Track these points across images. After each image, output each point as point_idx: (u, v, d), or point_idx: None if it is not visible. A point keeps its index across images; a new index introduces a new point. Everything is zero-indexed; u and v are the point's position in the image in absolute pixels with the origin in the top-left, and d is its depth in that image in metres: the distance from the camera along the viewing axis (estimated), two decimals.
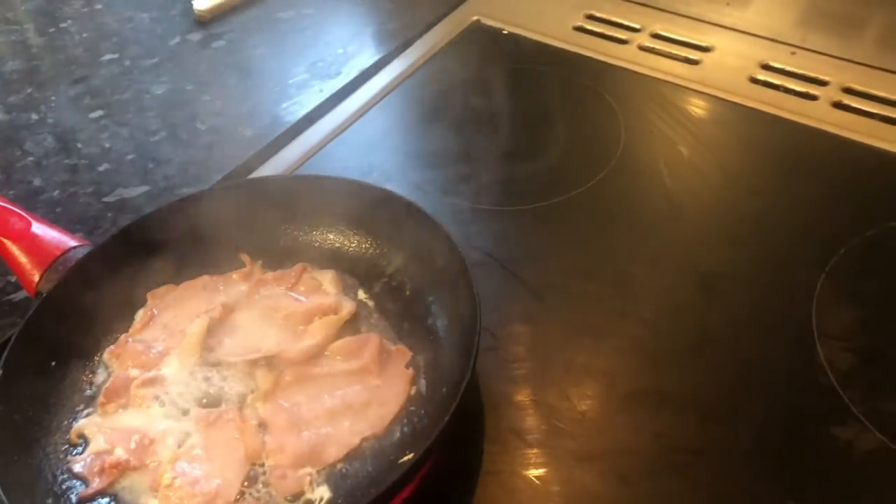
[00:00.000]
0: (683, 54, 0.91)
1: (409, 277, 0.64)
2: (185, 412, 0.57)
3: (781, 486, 0.52)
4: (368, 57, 0.93)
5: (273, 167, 0.80)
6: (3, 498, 0.48)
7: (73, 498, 0.53)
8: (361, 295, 0.65)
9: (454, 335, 0.58)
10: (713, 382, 0.59)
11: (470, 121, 0.84)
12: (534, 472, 0.54)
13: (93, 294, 0.63)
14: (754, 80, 0.86)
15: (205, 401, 0.58)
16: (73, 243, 0.64)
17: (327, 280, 0.66)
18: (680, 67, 0.89)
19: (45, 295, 0.61)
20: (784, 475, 0.53)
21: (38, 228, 0.64)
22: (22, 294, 0.68)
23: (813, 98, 0.83)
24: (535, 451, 0.55)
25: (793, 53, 0.88)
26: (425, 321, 0.61)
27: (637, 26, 0.95)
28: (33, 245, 0.63)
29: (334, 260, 0.67)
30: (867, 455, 0.53)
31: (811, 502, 0.51)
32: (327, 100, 0.88)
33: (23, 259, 0.63)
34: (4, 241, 0.63)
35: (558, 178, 0.76)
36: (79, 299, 0.62)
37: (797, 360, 0.59)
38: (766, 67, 0.87)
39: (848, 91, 0.83)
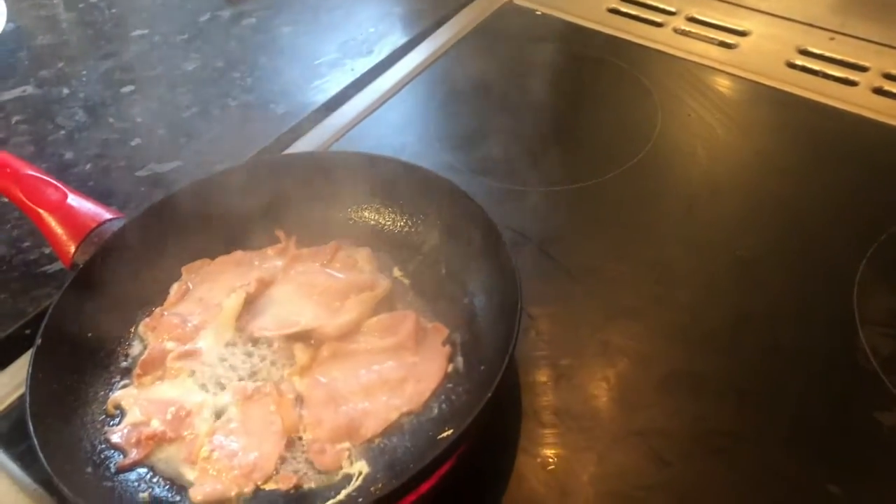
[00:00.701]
0: (720, 38, 0.90)
1: (444, 256, 0.64)
2: (222, 386, 0.58)
3: (822, 471, 0.52)
4: (400, 36, 0.93)
5: (305, 145, 0.80)
6: (46, 465, 0.48)
7: (112, 467, 0.53)
8: (397, 273, 0.65)
9: (491, 313, 0.58)
10: (751, 366, 0.58)
11: (503, 102, 0.84)
12: (569, 451, 0.54)
13: (128, 267, 0.63)
14: (792, 65, 0.85)
15: (241, 374, 0.58)
16: (108, 216, 0.64)
17: (362, 257, 0.66)
18: (716, 51, 0.88)
19: (81, 266, 0.61)
20: (825, 460, 0.53)
21: (74, 200, 0.64)
22: (56, 266, 0.69)
23: (852, 84, 0.82)
24: (570, 429, 0.55)
25: (832, 39, 0.87)
26: (461, 299, 0.61)
27: (672, 9, 0.94)
28: (69, 216, 0.63)
29: (369, 237, 0.67)
30: None
31: (853, 488, 0.51)
32: (359, 78, 0.88)
33: (59, 230, 0.63)
34: (41, 211, 0.63)
35: (594, 160, 0.75)
36: (114, 272, 0.62)
37: (838, 344, 0.59)
38: (804, 52, 0.87)
39: (888, 77, 0.82)
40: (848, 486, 0.51)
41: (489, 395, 0.49)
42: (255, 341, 0.60)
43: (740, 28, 0.90)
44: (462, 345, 0.58)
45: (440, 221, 0.65)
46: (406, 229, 0.67)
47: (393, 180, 0.66)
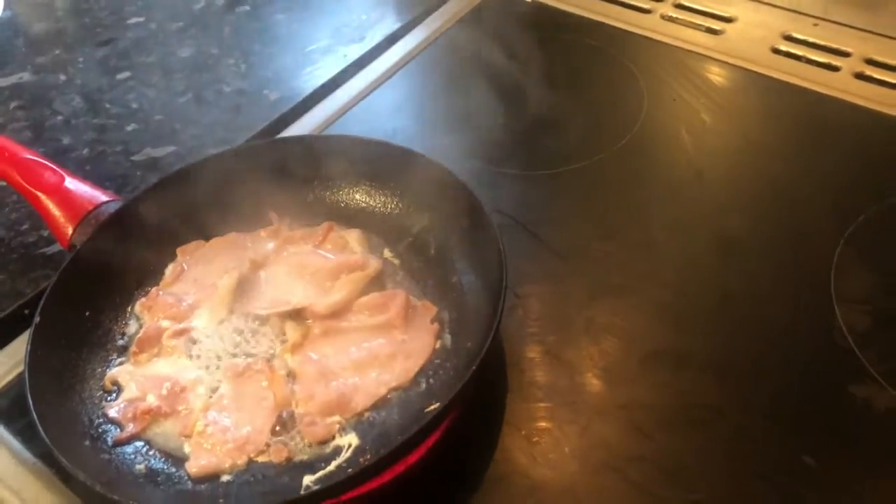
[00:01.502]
0: (706, 24, 0.91)
1: (433, 236, 0.65)
2: (216, 363, 0.59)
3: (798, 442, 0.53)
4: (392, 23, 0.94)
5: (298, 130, 0.82)
6: (45, 438, 0.50)
7: (109, 441, 0.55)
8: (387, 253, 0.66)
9: (479, 292, 0.60)
10: (733, 343, 0.60)
11: (493, 87, 0.84)
12: (554, 424, 0.56)
13: (124, 248, 0.64)
14: (776, 51, 0.87)
15: (234, 352, 0.60)
16: (104, 198, 0.65)
17: (353, 238, 0.67)
18: (702, 37, 0.89)
19: (78, 248, 0.62)
20: (801, 432, 0.54)
21: (71, 183, 0.66)
22: (54, 248, 0.70)
23: (835, 69, 0.84)
24: (555, 404, 0.57)
25: (815, 24, 0.89)
26: (450, 279, 0.63)
27: None
28: (66, 199, 0.65)
29: (360, 219, 0.68)
30: (884, 413, 0.55)
31: (827, 458, 0.52)
32: (351, 65, 0.89)
33: (56, 212, 0.64)
34: (39, 194, 0.65)
35: (581, 144, 0.77)
36: (111, 252, 0.63)
37: (815, 322, 0.60)
38: (789, 38, 0.88)
39: (870, 62, 0.84)
40: (822, 457, 0.52)
41: (473, 368, 0.50)
42: (249, 320, 0.61)
43: (726, 14, 0.92)
44: (450, 322, 0.60)
45: (430, 203, 0.66)
46: (396, 211, 0.68)
47: (383, 163, 0.68)
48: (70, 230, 0.63)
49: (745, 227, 0.68)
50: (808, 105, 0.80)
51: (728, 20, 0.91)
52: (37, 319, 0.57)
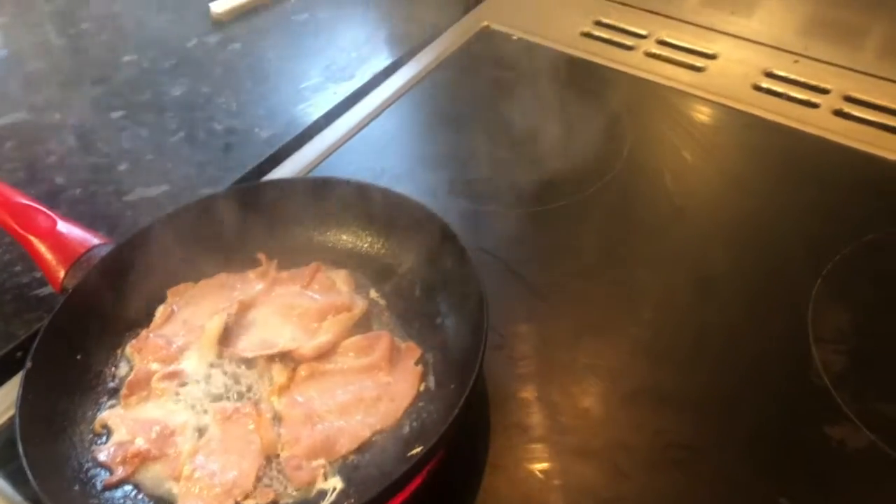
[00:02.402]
0: (689, 61, 0.93)
1: (419, 278, 0.66)
2: (204, 405, 0.60)
3: (774, 482, 0.54)
4: (381, 60, 0.96)
5: (289, 168, 0.83)
6: (34, 484, 0.51)
7: (99, 485, 0.55)
8: (373, 294, 0.67)
9: (462, 334, 0.61)
10: (711, 382, 0.61)
11: (479, 124, 0.86)
12: (537, 466, 0.57)
13: (115, 290, 0.65)
14: (758, 88, 0.88)
15: (223, 394, 0.60)
16: (96, 241, 0.66)
17: (340, 279, 0.68)
18: (685, 74, 0.91)
19: (70, 290, 0.63)
20: (777, 472, 0.55)
21: (63, 227, 0.67)
22: (47, 289, 0.71)
23: (814, 106, 0.85)
24: (538, 445, 0.58)
25: (795, 62, 0.90)
26: (434, 320, 0.64)
27: (644, 33, 0.97)
28: (59, 242, 0.66)
29: (347, 259, 0.70)
30: (858, 453, 0.56)
31: (803, 499, 0.53)
32: (341, 102, 0.90)
33: (48, 256, 0.65)
34: (31, 238, 0.66)
35: (564, 182, 0.78)
36: (102, 295, 0.64)
37: (792, 361, 0.62)
38: (770, 75, 0.90)
39: (849, 99, 0.85)
40: (798, 499, 0.53)
41: (456, 412, 0.51)
42: (237, 362, 0.62)
43: (709, 51, 0.93)
44: (434, 364, 0.61)
45: (415, 244, 0.67)
46: (382, 252, 0.69)
47: (370, 205, 0.69)
48: (62, 273, 0.64)
49: (724, 264, 0.69)
50: (787, 142, 0.81)
51: (710, 57, 0.93)
52: (28, 364, 0.57)
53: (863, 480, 0.55)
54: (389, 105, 0.90)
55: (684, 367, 0.62)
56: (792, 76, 0.89)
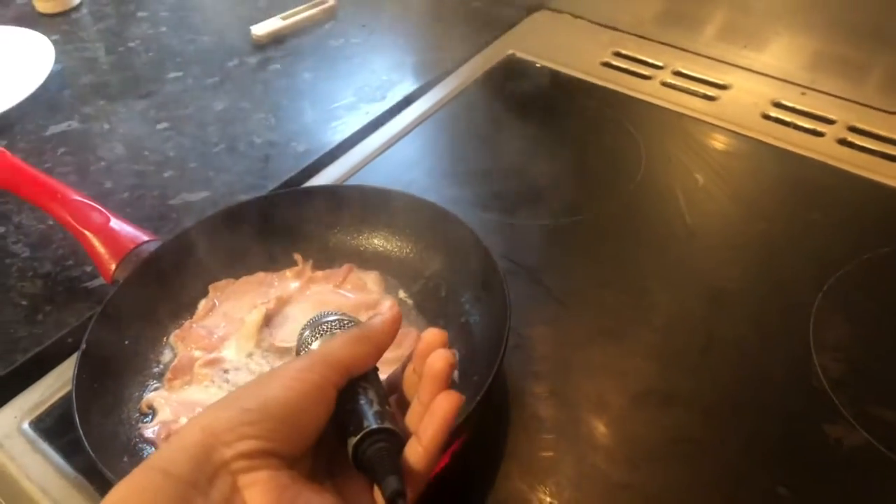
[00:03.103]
0: (702, 91, 0.98)
1: (445, 280, 0.71)
2: None
3: (774, 474, 0.58)
4: (410, 84, 1.01)
5: (323, 179, 0.88)
6: (90, 452, 0.55)
7: (146, 458, 0.60)
8: (402, 294, 0.72)
9: (485, 332, 0.65)
10: (717, 384, 0.65)
11: (503, 144, 0.91)
12: (551, 455, 0.60)
13: (162, 284, 0.70)
14: (767, 117, 0.93)
15: None
16: (145, 238, 0.71)
17: (371, 280, 0.73)
18: (698, 103, 0.96)
19: (120, 282, 0.68)
20: (777, 464, 0.59)
21: (115, 223, 0.72)
22: (96, 282, 0.76)
23: (820, 135, 0.90)
24: (553, 436, 0.62)
25: (803, 94, 0.95)
26: (459, 319, 0.68)
27: (660, 64, 1.02)
28: (111, 238, 0.70)
29: (378, 262, 0.74)
30: (854, 451, 0.59)
31: (800, 489, 0.57)
32: (372, 121, 0.95)
33: (101, 250, 0.70)
34: (86, 233, 0.71)
35: (582, 198, 0.83)
36: (150, 287, 0.69)
37: (794, 366, 0.65)
38: (778, 105, 0.94)
39: (853, 130, 0.90)
40: (796, 488, 0.57)
41: (478, 398, 0.55)
42: (273, 352, 0.67)
43: (722, 82, 0.98)
44: (458, 359, 0.65)
45: (442, 249, 0.72)
46: (411, 255, 0.74)
47: (401, 211, 0.73)
48: (113, 266, 0.69)
49: (732, 278, 0.74)
50: (794, 168, 0.86)
51: (723, 87, 0.98)
52: (83, 346, 0.62)
53: (857, 475, 0.58)
54: (418, 125, 0.95)
55: (692, 370, 0.66)
56: (799, 107, 0.93)
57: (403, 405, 0.47)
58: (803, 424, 0.61)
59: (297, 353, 0.50)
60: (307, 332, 0.50)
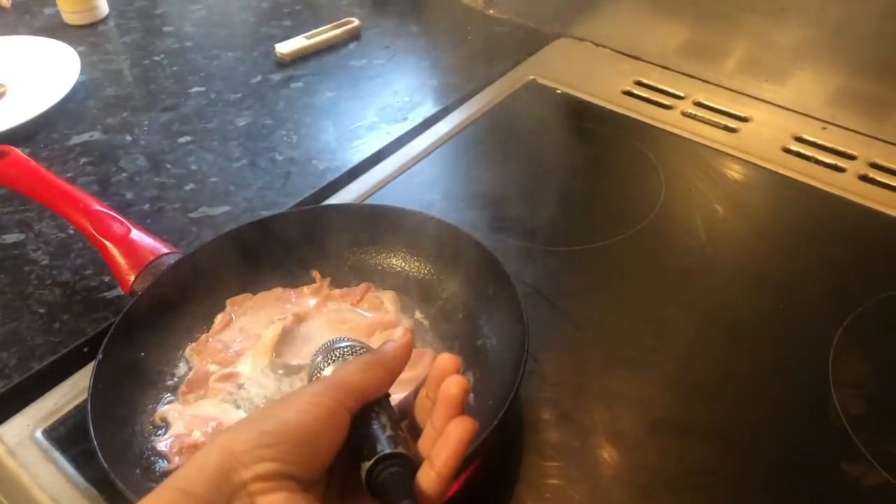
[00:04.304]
0: (723, 122, 0.98)
1: (462, 302, 0.71)
2: (257, 407, 0.64)
3: None
4: (432, 106, 1.02)
5: (342, 198, 0.88)
6: (104, 463, 0.55)
7: (158, 471, 0.60)
8: (418, 315, 0.72)
9: (501, 355, 0.65)
10: (734, 416, 0.65)
11: (522, 169, 0.91)
12: (565, 481, 0.60)
13: (180, 296, 0.70)
14: (787, 150, 0.93)
15: (274, 397, 0.65)
16: (165, 250, 0.71)
17: (388, 299, 0.73)
18: (719, 134, 0.96)
19: (139, 293, 0.68)
20: (794, 502, 0.58)
21: (136, 235, 0.72)
22: (114, 292, 0.76)
23: (841, 170, 0.90)
24: (566, 463, 0.61)
25: (824, 128, 0.95)
26: (475, 342, 0.68)
27: (681, 94, 1.03)
28: (131, 249, 0.71)
29: (395, 282, 0.74)
30: (872, 490, 0.59)
31: None
32: (393, 142, 0.96)
33: (121, 260, 0.70)
34: (106, 243, 0.71)
35: (601, 225, 0.83)
36: (168, 300, 0.69)
37: (813, 401, 0.65)
38: (799, 139, 0.94)
39: (874, 166, 0.90)
40: None
41: (495, 423, 0.55)
42: (289, 368, 0.67)
43: (742, 114, 0.99)
44: (473, 382, 0.65)
45: (460, 271, 0.71)
46: (429, 277, 0.74)
47: (420, 232, 0.74)
48: (132, 277, 0.69)
49: (750, 311, 0.73)
50: (813, 202, 0.86)
51: (744, 119, 0.98)
52: (100, 356, 0.62)
53: None
54: (438, 147, 0.96)
55: (709, 401, 0.66)
56: (820, 141, 0.93)
57: (414, 431, 0.47)
58: (821, 461, 0.61)
59: (310, 379, 0.51)
60: (319, 358, 0.51)
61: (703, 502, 0.59)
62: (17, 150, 0.79)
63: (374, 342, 0.68)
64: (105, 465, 0.55)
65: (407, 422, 0.48)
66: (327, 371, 0.49)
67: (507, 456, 0.62)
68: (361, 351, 0.50)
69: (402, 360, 0.48)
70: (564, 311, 0.74)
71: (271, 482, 0.39)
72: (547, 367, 0.68)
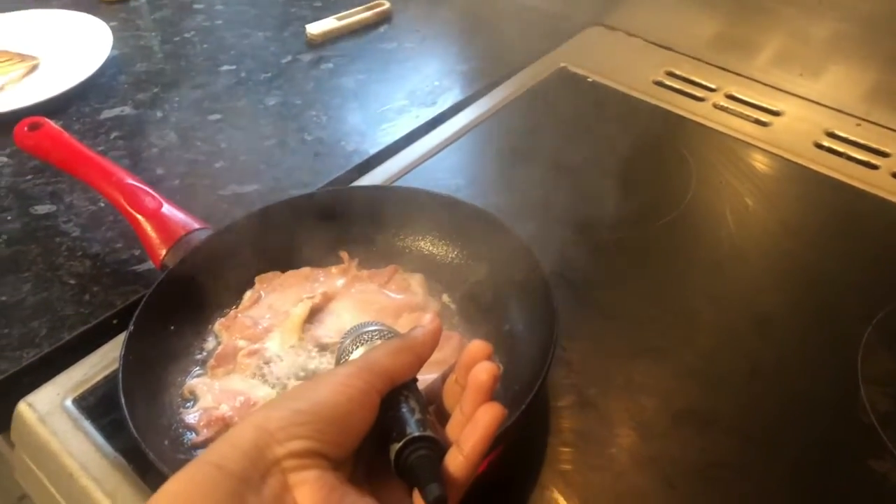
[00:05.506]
0: (755, 116, 0.97)
1: (489, 287, 0.70)
2: (284, 383, 0.65)
3: None
4: (461, 91, 1.02)
5: (370, 180, 0.88)
6: (134, 432, 0.55)
7: (186, 443, 0.60)
8: (445, 298, 0.72)
9: (528, 341, 0.65)
10: (759, 410, 0.64)
11: (551, 157, 0.91)
12: (591, 469, 0.60)
13: (210, 272, 0.70)
14: (819, 146, 0.92)
15: (301, 374, 0.65)
16: (196, 226, 0.72)
17: (416, 282, 0.73)
18: (751, 127, 0.95)
19: (170, 267, 0.69)
20: (820, 498, 0.58)
21: (167, 209, 0.72)
22: (144, 266, 0.76)
23: (874, 167, 0.89)
24: (592, 450, 0.61)
25: (858, 125, 0.94)
26: (502, 327, 0.68)
27: (713, 86, 1.02)
28: (162, 223, 0.71)
29: (423, 264, 0.74)
30: None
31: None
32: (422, 125, 0.96)
33: (153, 234, 0.71)
34: (139, 217, 0.72)
35: (631, 215, 0.83)
36: (198, 275, 0.70)
37: (840, 398, 0.65)
38: (832, 135, 0.94)
39: None
40: None
41: (520, 410, 0.55)
42: (316, 346, 0.67)
43: (775, 108, 0.98)
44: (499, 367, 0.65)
45: (489, 256, 0.71)
46: (457, 261, 0.74)
47: (450, 216, 0.74)
48: (163, 252, 0.70)
49: (779, 305, 0.73)
50: (845, 198, 0.85)
51: (776, 114, 0.97)
52: (131, 328, 0.63)
53: None
54: (467, 132, 0.95)
55: (734, 394, 0.66)
56: (853, 138, 0.93)
57: (441, 416, 0.48)
58: (848, 457, 0.61)
59: (337, 362, 0.52)
60: (347, 342, 0.51)
61: (725, 494, 0.59)
62: (51, 122, 0.80)
63: (402, 324, 0.68)
64: (135, 434, 0.55)
65: (434, 406, 0.49)
66: (355, 354, 0.50)
67: (531, 441, 0.62)
68: (389, 335, 0.51)
69: (430, 345, 0.48)
70: (591, 299, 0.74)
71: (304, 459, 0.40)
72: (573, 354, 0.68)
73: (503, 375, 0.64)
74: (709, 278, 0.76)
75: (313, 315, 0.69)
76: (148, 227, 0.71)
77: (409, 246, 0.76)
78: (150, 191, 0.74)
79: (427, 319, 0.50)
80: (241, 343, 0.68)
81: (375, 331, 0.51)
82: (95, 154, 0.77)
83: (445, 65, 1.07)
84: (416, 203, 0.75)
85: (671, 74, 1.04)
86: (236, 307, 0.71)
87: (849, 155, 0.91)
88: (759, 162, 0.90)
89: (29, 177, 0.88)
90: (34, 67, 1.06)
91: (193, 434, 0.61)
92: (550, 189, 0.86)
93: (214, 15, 1.20)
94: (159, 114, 0.98)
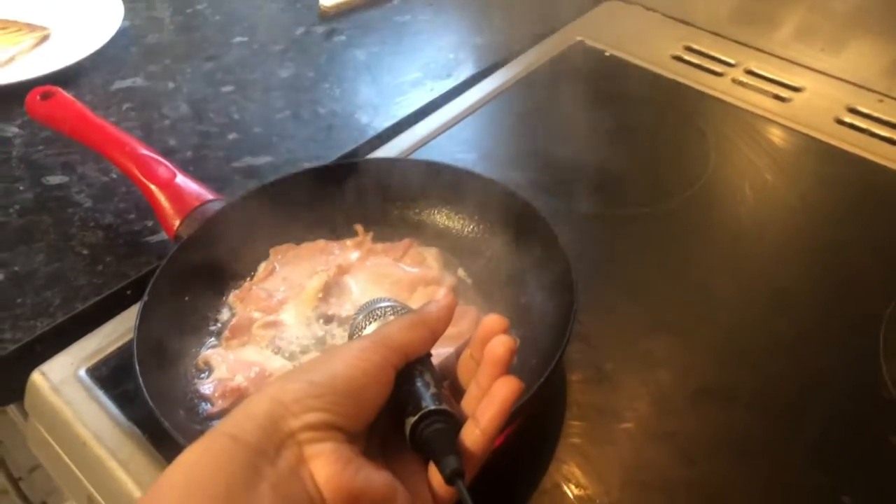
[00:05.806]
0: (775, 91, 0.96)
1: (506, 261, 0.70)
2: (298, 354, 0.65)
3: (837, 481, 0.57)
4: (476, 64, 1.00)
5: (384, 153, 0.87)
6: (150, 402, 0.55)
7: (202, 413, 0.60)
8: (461, 272, 0.71)
9: (546, 316, 0.64)
10: (779, 386, 0.64)
11: (567, 131, 0.90)
12: (608, 443, 0.60)
13: (224, 243, 0.70)
14: (840, 122, 0.91)
15: (316, 347, 0.65)
16: (210, 196, 0.71)
17: (431, 256, 0.72)
18: (770, 103, 0.94)
19: (184, 238, 0.68)
20: (841, 474, 0.58)
21: (181, 180, 0.72)
22: (157, 237, 0.76)
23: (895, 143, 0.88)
24: (609, 424, 0.61)
25: (880, 101, 0.93)
26: (518, 300, 0.67)
27: (732, 62, 1.01)
28: (176, 193, 0.71)
29: (439, 238, 0.73)
30: None
31: (866, 500, 0.56)
32: (436, 98, 0.95)
33: (166, 205, 0.70)
34: (152, 187, 0.71)
35: (649, 190, 0.82)
36: (212, 246, 0.69)
37: (862, 375, 0.64)
38: (853, 111, 0.92)
39: None
40: (860, 498, 0.56)
41: (538, 384, 0.54)
42: (330, 319, 0.67)
43: (795, 84, 0.96)
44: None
45: (505, 230, 0.71)
46: (473, 234, 0.73)
47: (465, 189, 0.72)
48: (177, 222, 0.69)
49: (799, 280, 0.72)
50: (865, 174, 0.84)
51: (796, 89, 0.96)
52: (145, 299, 0.62)
53: None
54: (482, 105, 0.94)
55: (754, 369, 0.65)
56: (875, 114, 0.91)
57: (455, 392, 0.48)
58: (869, 433, 0.60)
59: (350, 337, 0.52)
60: (360, 317, 0.51)
61: (745, 470, 0.58)
62: (64, 91, 0.79)
63: (417, 298, 0.67)
64: (151, 403, 0.55)
65: (448, 382, 0.49)
66: (368, 329, 0.50)
67: (547, 415, 0.62)
68: (402, 311, 0.51)
69: (444, 320, 0.48)
70: (609, 274, 0.73)
71: (319, 432, 0.40)
72: (590, 328, 0.68)
73: (520, 349, 0.63)
74: (727, 254, 0.75)
75: (328, 288, 0.69)
76: (161, 198, 0.71)
77: (424, 219, 0.75)
78: (164, 161, 0.73)
79: (441, 294, 0.50)
80: (256, 315, 0.67)
81: (388, 306, 0.51)
82: (108, 124, 0.76)
83: (460, 38, 1.06)
84: (432, 176, 0.74)
85: (690, 49, 1.03)
86: (251, 279, 0.71)
87: (871, 131, 0.89)
88: (779, 138, 0.89)
89: (41, 147, 0.87)
90: (45, 38, 1.05)
91: (208, 405, 0.61)
92: (567, 164, 0.85)
93: None
94: (171, 85, 0.97)
